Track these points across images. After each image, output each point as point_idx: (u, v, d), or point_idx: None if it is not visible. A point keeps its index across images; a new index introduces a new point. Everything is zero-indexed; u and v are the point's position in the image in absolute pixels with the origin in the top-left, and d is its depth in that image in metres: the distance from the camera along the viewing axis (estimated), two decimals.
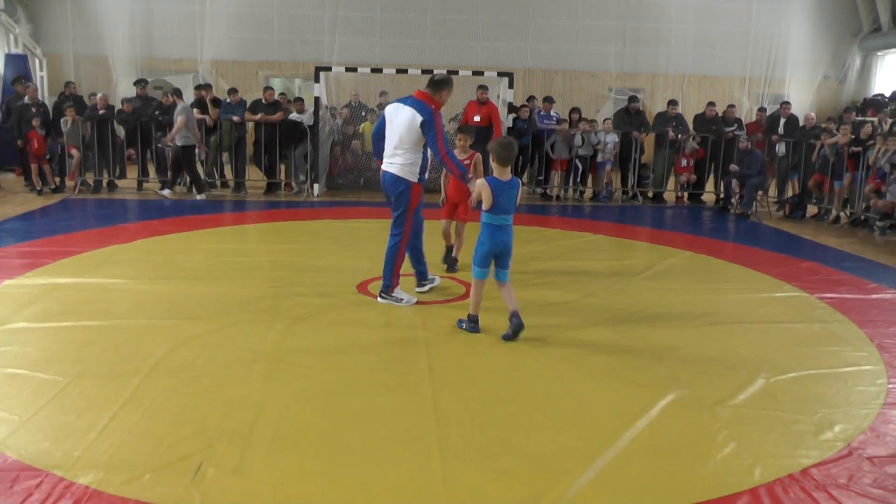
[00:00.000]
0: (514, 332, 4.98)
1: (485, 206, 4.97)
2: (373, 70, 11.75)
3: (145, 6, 16.11)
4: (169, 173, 11.73)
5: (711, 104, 12.52)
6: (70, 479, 3.11)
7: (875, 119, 13.18)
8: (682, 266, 7.66)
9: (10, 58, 14.81)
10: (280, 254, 7.58)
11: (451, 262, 7.04)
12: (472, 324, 5.18)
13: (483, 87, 11.62)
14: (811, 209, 11.51)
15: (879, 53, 17.77)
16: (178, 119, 11.10)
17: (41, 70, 15.91)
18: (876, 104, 16.20)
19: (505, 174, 4.98)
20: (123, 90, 15.14)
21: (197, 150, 11.54)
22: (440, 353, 4.77)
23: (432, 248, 6.86)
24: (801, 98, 17.00)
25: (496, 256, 5.05)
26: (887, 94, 16.90)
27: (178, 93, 11.78)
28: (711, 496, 3.12)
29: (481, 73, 12.01)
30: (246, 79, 15.82)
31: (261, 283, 6.36)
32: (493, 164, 5.02)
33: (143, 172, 12.26)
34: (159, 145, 11.84)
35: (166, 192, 11.44)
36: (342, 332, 5.15)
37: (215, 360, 4.52)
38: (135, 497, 3.00)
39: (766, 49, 17.05)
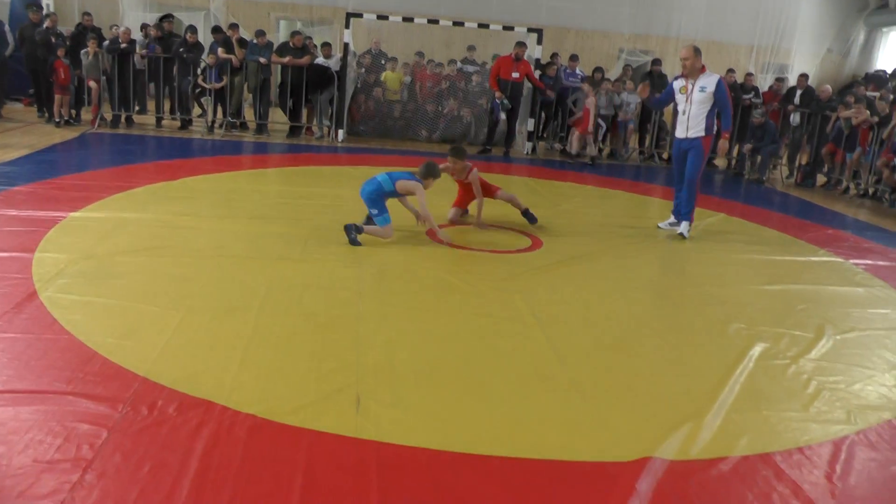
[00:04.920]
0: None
1: None
2: (404, 19, 11.66)
3: None
4: None
5: (731, 71, 12.72)
6: (235, 409, 3.08)
7: (888, 95, 13.46)
8: (721, 228, 7.91)
9: None
10: (334, 198, 7.52)
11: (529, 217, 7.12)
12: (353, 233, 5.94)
13: (522, 44, 11.60)
14: (820, 178, 11.86)
15: (885, 30, 18.07)
16: None
17: None
18: (878, 80, 16.53)
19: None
20: (130, 24, 14.72)
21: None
22: (536, 302, 4.88)
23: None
24: (805, 70, 17.16)
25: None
26: (888, 70, 17.23)
27: None
28: (824, 438, 3.37)
29: (511, 29, 12.00)
30: (257, 20, 15.51)
31: (332, 225, 6.26)
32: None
33: (160, 109, 12.11)
34: None
35: None
36: (432, 277, 5.28)
37: (322, 300, 4.57)
38: (307, 426, 3.01)
39: (776, 19, 17.19)
